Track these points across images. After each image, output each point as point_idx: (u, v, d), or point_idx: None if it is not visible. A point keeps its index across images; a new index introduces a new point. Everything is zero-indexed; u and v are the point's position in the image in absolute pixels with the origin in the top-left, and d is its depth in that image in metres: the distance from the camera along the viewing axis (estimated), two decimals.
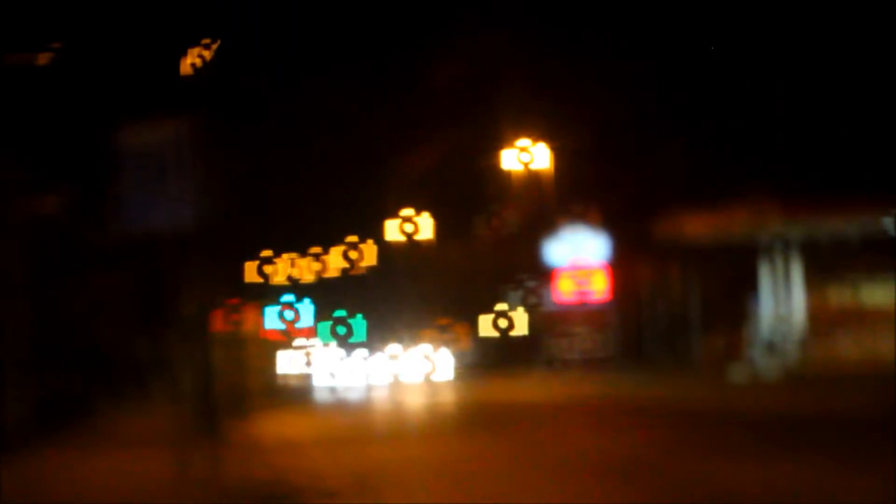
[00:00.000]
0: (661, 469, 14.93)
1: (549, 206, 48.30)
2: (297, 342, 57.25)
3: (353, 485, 15.20)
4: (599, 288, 48.48)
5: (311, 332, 62.09)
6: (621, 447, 17.85)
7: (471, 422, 25.53)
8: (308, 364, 55.16)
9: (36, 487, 13.82)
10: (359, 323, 64.05)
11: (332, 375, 52.08)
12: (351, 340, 65.72)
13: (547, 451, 18.51)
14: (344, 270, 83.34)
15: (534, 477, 15.06)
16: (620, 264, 49.13)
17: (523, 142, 48.33)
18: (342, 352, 54.36)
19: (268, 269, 68.13)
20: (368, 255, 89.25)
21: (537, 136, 48.57)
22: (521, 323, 53.90)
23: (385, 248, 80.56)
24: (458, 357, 49.56)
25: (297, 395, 43.48)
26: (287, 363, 55.24)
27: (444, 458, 18.19)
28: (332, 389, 48.19)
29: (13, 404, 15.95)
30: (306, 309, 62.89)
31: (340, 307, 66.73)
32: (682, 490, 12.87)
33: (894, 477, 12.93)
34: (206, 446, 18.23)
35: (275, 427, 25.72)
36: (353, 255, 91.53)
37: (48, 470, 15.67)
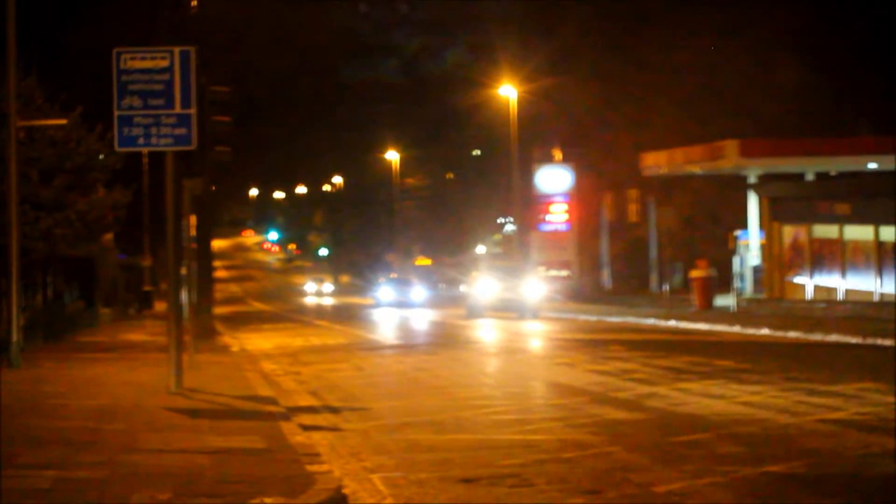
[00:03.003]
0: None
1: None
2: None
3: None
4: (563, 219, 48.92)
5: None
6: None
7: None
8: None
9: (39, 386, 14.01)
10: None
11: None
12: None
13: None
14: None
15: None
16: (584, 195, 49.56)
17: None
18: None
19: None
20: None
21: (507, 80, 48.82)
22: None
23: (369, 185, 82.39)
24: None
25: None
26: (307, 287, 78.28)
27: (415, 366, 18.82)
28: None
29: (14, 321, 15.99)
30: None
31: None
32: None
33: None
34: (205, 353, 18.64)
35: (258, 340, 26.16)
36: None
37: (48, 374, 15.88)
